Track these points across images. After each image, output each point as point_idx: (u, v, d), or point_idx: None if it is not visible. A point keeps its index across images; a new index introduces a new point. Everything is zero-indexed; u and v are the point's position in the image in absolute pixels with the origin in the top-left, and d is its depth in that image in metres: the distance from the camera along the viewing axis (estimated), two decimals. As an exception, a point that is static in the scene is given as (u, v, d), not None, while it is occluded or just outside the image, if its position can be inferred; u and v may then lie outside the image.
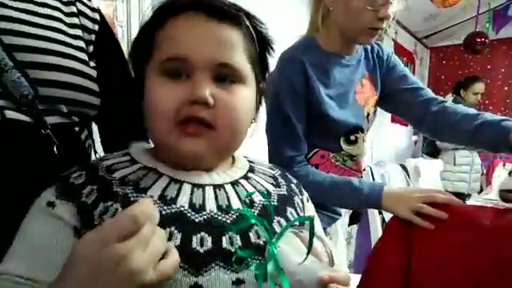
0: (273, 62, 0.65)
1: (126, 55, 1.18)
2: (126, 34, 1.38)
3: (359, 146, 1.09)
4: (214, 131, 0.50)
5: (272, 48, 0.60)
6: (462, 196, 3.09)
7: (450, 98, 3.27)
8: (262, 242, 0.51)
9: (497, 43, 3.90)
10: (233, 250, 0.48)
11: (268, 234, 0.44)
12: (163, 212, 0.48)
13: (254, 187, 0.58)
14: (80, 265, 0.36)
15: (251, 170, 0.62)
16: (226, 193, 0.54)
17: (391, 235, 0.91)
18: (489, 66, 4.21)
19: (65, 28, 0.70)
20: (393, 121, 3.97)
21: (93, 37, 0.77)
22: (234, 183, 0.57)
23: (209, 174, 0.56)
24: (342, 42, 1.01)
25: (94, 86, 0.72)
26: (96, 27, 0.78)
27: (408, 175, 2.66)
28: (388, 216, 1.02)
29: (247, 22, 0.55)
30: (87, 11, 0.77)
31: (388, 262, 0.88)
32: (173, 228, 0.47)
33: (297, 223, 0.49)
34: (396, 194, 0.92)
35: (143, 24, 0.56)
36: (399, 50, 3.88)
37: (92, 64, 0.74)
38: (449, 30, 4.03)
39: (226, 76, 0.51)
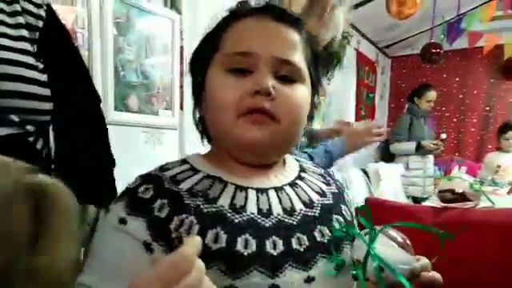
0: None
1: (86, 62, 1.17)
2: (86, 40, 1.36)
3: None
4: (277, 123, 0.52)
5: (319, 56, 0.63)
6: (418, 200, 3.22)
7: (405, 105, 3.43)
8: (325, 241, 0.54)
9: (451, 54, 4.12)
10: (301, 250, 0.51)
11: (366, 241, 0.47)
12: (236, 220, 0.50)
13: (310, 187, 0.60)
14: None
15: (302, 169, 0.64)
16: (288, 195, 0.56)
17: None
18: (445, 75, 4.43)
19: (8, 31, 0.68)
20: (356, 127, 4.08)
21: (37, 34, 0.75)
22: (292, 184, 0.59)
23: (267, 176, 0.58)
24: None
25: (45, 92, 0.71)
26: (40, 23, 0.75)
27: (369, 179, 2.75)
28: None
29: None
30: (31, 7, 0.75)
31: None
32: (247, 235, 0.49)
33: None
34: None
35: (209, 28, 0.59)
36: (362, 59, 4.02)
37: (40, 67, 0.72)
38: (408, 40, 4.22)
39: (286, 74, 0.54)
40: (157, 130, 1.80)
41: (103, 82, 1.49)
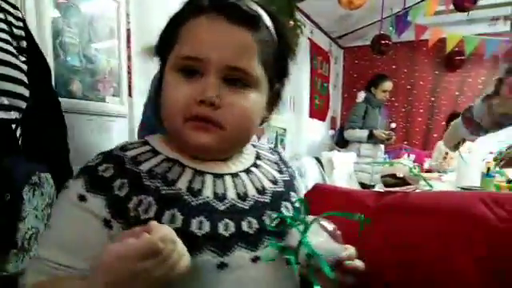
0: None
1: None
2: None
3: None
4: (222, 130, 0.54)
5: (293, 49, 0.63)
6: (367, 186, 3.35)
7: (362, 94, 3.53)
8: (274, 225, 0.57)
9: (400, 46, 4.28)
10: (251, 232, 0.55)
11: (300, 230, 0.54)
12: (192, 203, 0.54)
13: (264, 174, 0.64)
14: (107, 274, 0.42)
15: (258, 157, 0.67)
16: (243, 181, 0.60)
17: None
18: (394, 66, 4.60)
19: None
20: (311, 116, 4.17)
21: (22, 32, 0.84)
22: (247, 171, 0.62)
23: (225, 163, 0.61)
24: None
25: (25, 79, 0.78)
26: (21, 24, 0.85)
27: (323, 167, 2.83)
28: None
29: (269, 24, 0.57)
30: (10, 8, 0.83)
31: None
32: (201, 217, 0.53)
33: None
34: None
35: (170, 17, 0.59)
36: (315, 49, 4.08)
37: (22, 58, 0.80)
38: (359, 31, 4.33)
39: (237, 79, 0.54)
40: (104, 117, 1.71)
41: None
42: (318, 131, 4.48)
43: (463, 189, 1.52)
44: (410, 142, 4.53)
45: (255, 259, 0.55)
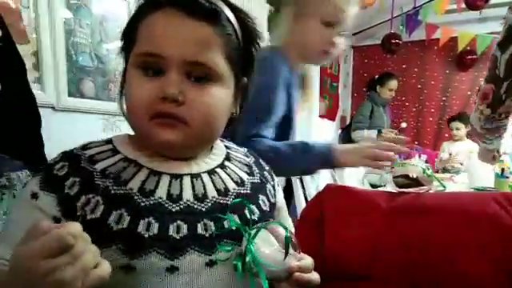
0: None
1: (34, 44, 1.16)
2: (32, 17, 1.27)
3: None
4: (187, 126, 0.53)
5: (258, 42, 0.61)
6: (377, 187, 3.31)
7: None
8: (234, 228, 0.54)
9: (410, 45, 4.25)
10: (206, 236, 0.53)
11: (247, 234, 0.51)
12: (142, 204, 0.52)
13: (229, 176, 0.61)
14: (15, 276, 0.38)
15: (227, 158, 0.65)
16: (203, 182, 0.57)
17: (304, 222, 0.97)
18: (404, 66, 4.56)
19: None
20: (320, 116, 4.15)
21: None
22: (211, 172, 0.60)
23: (188, 163, 0.58)
24: (300, 60, 1.14)
25: None
26: None
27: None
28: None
29: (231, 17, 0.56)
30: None
31: (303, 246, 0.93)
32: (151, 218, 0.51)
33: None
34: (346, 148, 1.02)
35: (131, 14, 0.57)
36: (325, 48, 4.06)
37: None
38: (369, 30, 4.30)
39: (199, 75, 0.53)
40: (116, 117, 1.72)
41: (54, 65, 1.40)
42: (328, 131, 4.46)
43: (477, 190, 1.49)
44: (420, 142, 4.48)
45: (211, 263, 0.53)
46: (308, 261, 0.52)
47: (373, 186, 3.29)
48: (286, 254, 0.49)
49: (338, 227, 0.91)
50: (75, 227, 0.38)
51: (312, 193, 2.32)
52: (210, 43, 0.53)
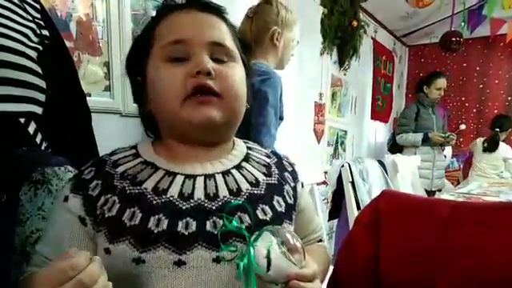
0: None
1: (106, 54, 1.20)
2: (106, 33, 1.38)
3: None
4: (222, 99, 0.58)
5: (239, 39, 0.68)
6: (428, 192, 3.15)
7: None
8: (243, 226, 0.56)
9: (472, 42, 4.01)
10: (215, 233, 0.55)
11: (249, 237, 0.53)
12: (154, 202, 0.55)
13: (244, 176, 0.63)
14: None
15: (246, 158, 0.67)
16: (216, 182, 0.60)
17: (361, 224, 0.96)
18: (464, 64, 4.31)
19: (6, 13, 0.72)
20: (372, 117, 4.05)
21: (40, 22, 0.80)
22: (225, 173, 0.62)
23: (202, 164, 0.61)
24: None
25: (38, 69, 0.74)
26: (38, 15, 0.81)
27: (386, 171, 2.72)
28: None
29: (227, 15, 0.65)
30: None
31: (358, 251, 0.92)
32: (161, 215, 0.55)
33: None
34: None
35: (144, 26, 0.65)
36: (378, 48, 3.95)
37: (32, 45, 0.74)
38: (426, 28, 4.12)
39: (221, 56, 0.60)
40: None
41: (122, 75, 1.50)
42: (380, 133, 4.33)
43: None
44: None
45: (218, 259, 0.55)
46: (309, 270, 0.54)
47: (426, 192, 3.16)
48: (286, 259, 0.51)
49: (394, 231, 0.89)
50: (79, 259, 0.42)
51: (364, 196, 2.28)
52: (224, 30, 0.62)
